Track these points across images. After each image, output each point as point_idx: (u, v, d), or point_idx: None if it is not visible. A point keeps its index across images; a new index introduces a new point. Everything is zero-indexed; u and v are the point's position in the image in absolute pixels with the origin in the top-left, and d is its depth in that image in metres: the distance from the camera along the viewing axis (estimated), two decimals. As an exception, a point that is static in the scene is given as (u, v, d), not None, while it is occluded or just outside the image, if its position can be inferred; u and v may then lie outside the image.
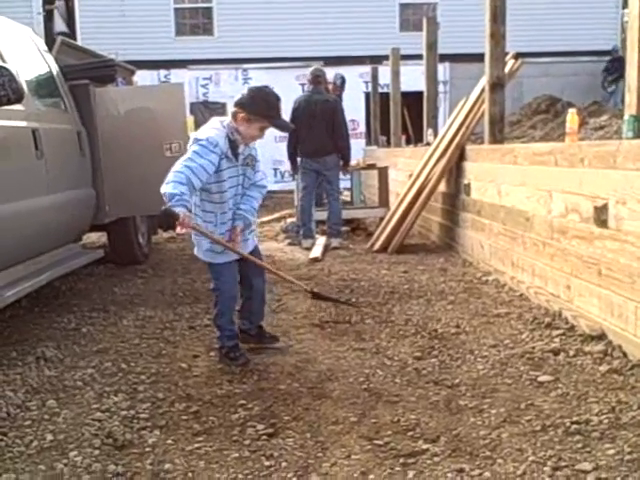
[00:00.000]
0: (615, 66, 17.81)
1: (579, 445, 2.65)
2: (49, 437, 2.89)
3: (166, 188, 3.39)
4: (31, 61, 5.36)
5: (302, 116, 7.88)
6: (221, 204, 3.70)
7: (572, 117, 5.39)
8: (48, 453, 2.76)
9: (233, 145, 3.68)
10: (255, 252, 3.97)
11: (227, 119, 3.73)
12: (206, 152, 3.53)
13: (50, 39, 9.54)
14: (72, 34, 16.38)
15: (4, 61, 4.49)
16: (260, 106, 3.66)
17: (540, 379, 3.36)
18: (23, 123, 4.62)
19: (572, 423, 2.83)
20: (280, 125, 3.80)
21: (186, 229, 3.48)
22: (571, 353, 3.71)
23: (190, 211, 3.49)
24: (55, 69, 5.76)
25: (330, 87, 9.54)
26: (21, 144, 4.57)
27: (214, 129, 3.67)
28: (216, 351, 3.94)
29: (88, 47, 8.12)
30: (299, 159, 8.12)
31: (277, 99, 3.75)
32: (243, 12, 17.34)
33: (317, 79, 8.15)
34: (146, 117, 6.21)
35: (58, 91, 5.68)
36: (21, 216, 4.41)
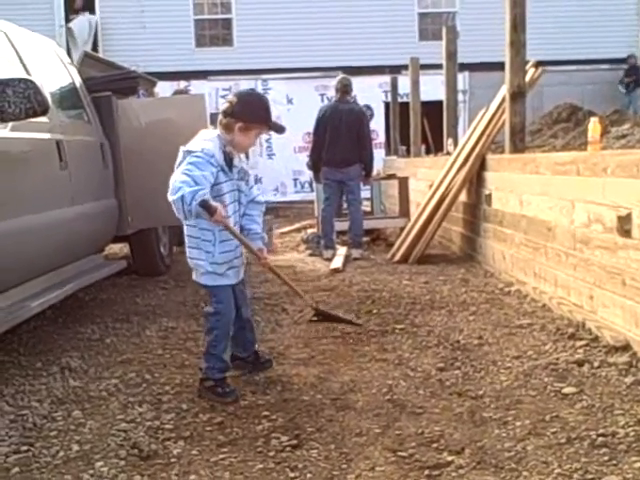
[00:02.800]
0: (629, 73, 17.83)
1: (605, 458, 2.63)
2: (75, 447, 2.91)
3: (180, 192, 3.14)
4: (55, 73, 5.42)
5: (328, 125, 7.90)
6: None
7: (594, 126, 5.36)
8: (74, 463, 2.78)
9: (227, 157, 3.47)
10: (243, 280, 3.73)
11: (216, 131, 3.53)
12: (203, 164, 3.28)
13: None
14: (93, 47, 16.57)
15: (29, 74, 4.55)
16: (259, 113, 3.49)
17: (564, 391, 3.34)
18: (47, 135, 4.67)
19: (598, 435, 2.81)
20: (277, 127, 3.62)
21: (220, 222, 3.27)
22: (595, 364, 3.68)
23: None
24: (78, 81, 5.83)
25: None
26: (46, 156, 4.62)
27: (208, 141, 3.44)
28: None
29: (109, 59, 8.20)
30: (322, 169, 8.11)
31: (267, 100, 3.64)
32: (262, 23, 17.43)
33: (344, 88, 8.18)
34: (168, 128, 6.24)
35: (81, 103, 5.74)
36: (46, 227, 4.45)
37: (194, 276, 3.60)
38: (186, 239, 3.53)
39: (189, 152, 3.36)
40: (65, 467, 2.75)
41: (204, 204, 3.14)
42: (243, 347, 3.81)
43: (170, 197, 3.19)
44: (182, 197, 3.13)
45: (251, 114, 3.46)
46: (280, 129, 3.66)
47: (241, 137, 3.46)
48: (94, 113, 5.91)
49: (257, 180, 17.69)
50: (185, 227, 3.50)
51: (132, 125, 6.23)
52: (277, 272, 3.90)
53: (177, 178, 3.24)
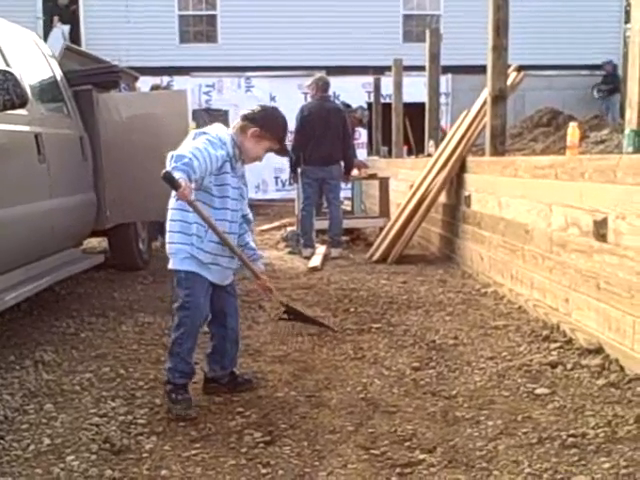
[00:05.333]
0: (607, 80, 18.01)
1: (575, 458, 2.65)
2: (46, 441, 2.90)
3: (176, 152, 3.07)
4: (35, 66, 5.38)
5: (315, 123, 7.88)
6: (218, 210, 3.29)
7: (573, 131, 5.42)
8: (45, 457, 2.77)
9: (235, 155, 3.37)
10: (230, 286, 3.51)
11: (231, 130, 3.43)
12: (215, 146, 3.19)
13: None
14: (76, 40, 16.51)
15: (8, 65, 4.51)
16: (277, 126, 3.45)
17: (537, 392, 3.37)
18: (26, 127, 4.63)
19: (568, 436, 2.83)
20: (284, 150, 3.62)
21: (184, 200, 3.05)
22: (568, 366, 3.71)
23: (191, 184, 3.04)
24: (59, 74, 5.78)
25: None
26: (24, 148, 4.58)
27: (223, 130, 3.39)
28: None
29: (92, 53, 8.15)
30: (302, 168, 8.10)
31: (287, 124, 3.54)
32: (247, 20, 17.40)
33: (325, 86, 8.17)
34: (149, 123, 6.22)
35: (62, 96, 5.70)
36: (23, 220, 4.42)
37: (170, 264, 3.33)
38: (170, 224, 3.31)
39: (204, 133, 3.28)
40: (36, 461, 2.73)
41: (168, 176, 2.97)
42: (220, 364, 3.49)
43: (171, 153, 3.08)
44: (172, 156, 3.03)
45: (270, 125, 3.40)
46: (286, 153, 3.73)
47: (251, 144, 3.38)
48: (74, 106, 5.87)
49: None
50: (174, 211, 3.29)
51: (113, 119, 6.19)
52: (256, 273, 3.56)
53: (191, 145, 3.14)
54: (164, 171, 2.98)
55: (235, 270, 3.50)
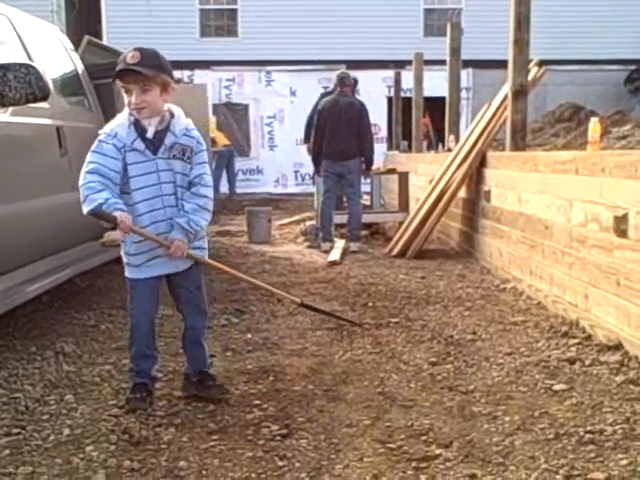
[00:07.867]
0: (636, 76, 17.85)
1: (592, 454, 2.64)
2: (66, 431, 2.93)
3: (85, 200, 2.92)
4: (57, 59, 5.42)
5: (328, 118, 7.92)
6: (130, 207, 3.03)
7: (594, 126, 5.36)
8: (65, 447, 2.80)
9: (140, 131, 3.03)
10: (189, 280, 3.23)
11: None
12: (103, 148, 3.00)
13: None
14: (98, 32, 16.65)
15: (31, 59, 4.55)
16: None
17: (555, 388, 3.36)
18: (48, 121, 4.68)
19: (586, 432, 2.82)
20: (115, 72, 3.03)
21: (125, 232, 2.92)
22: (587, 362, 3.70)
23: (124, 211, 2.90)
24: (80, 68, 5.82)
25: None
26: (46, 141, 4.63)
27: (119, 116, 3.08)
28: (230, 351, 3.97)
29: (113, 46, 8.19)
30: (322, 161, 8.12)
31: (128, 52, 3.07)
32: (267, 14, 17.43)
33: (343, 81, 8.19)
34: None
35: (83, 90, 5.74)
36: (44, 212, 4.47)
37: None
38: None
39: (98, 135, 3.07)
40: (56, 450, 2.77)
41: (97, 214, 2.87)
42: (188, 360, 3.38)
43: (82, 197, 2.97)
44: (84, 196, 2.94)
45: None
46: (115, 73, 3.04)
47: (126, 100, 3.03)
48: (95, 100, 5.90)
49: (258, 171, 17.72)
50: None
51: (133, 113, 6.20)
52: (213, 264, 3.48)
53: (84, 170, 3.01)
54: (89, 210, 2.88)
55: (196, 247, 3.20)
